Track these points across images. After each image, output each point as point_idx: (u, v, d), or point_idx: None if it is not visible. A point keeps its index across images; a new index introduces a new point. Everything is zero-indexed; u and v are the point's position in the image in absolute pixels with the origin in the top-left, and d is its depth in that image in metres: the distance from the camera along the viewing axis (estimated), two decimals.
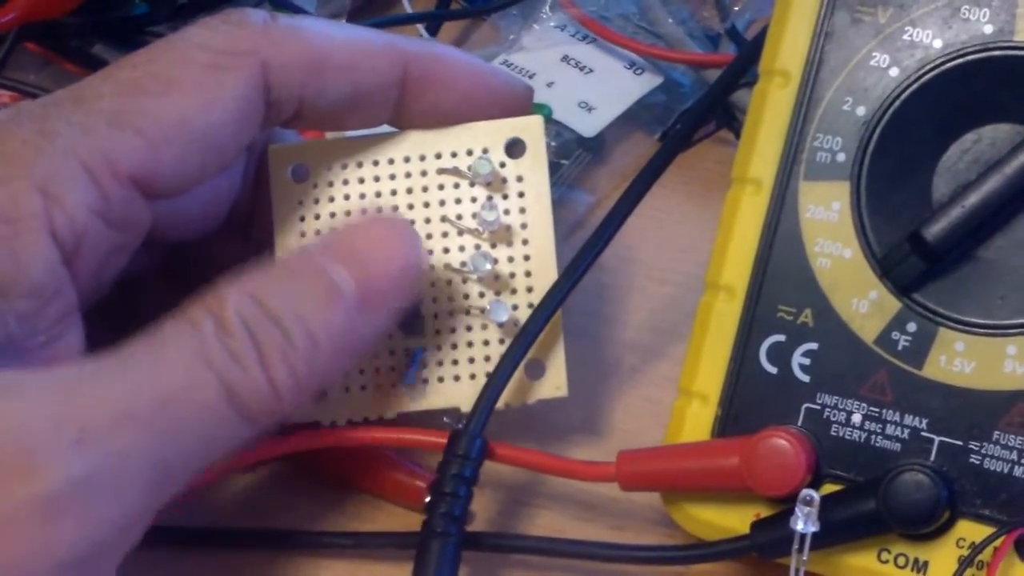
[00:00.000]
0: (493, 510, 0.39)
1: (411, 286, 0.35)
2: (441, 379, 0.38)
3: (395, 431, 0.37)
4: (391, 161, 0.38)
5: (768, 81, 0.37)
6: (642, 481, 0.36)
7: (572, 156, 0.48)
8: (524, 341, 0.37)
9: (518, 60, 0.50)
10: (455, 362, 0.38)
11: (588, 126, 0.48)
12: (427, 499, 0.36)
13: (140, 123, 0.33)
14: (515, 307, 0.37)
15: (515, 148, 0.38)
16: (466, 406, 0.37)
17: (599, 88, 0.49)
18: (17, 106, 0.34)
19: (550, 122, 0.47)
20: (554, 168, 0.43)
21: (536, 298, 0.38)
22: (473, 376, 0.38)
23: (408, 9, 0.53)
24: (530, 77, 0.49)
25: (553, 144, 0.47)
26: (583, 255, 0.38)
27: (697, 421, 0.37)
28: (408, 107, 0.37)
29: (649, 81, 0.50)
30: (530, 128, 0.38)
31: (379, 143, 0.38)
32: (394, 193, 0.38)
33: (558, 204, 0.45)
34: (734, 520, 0.36)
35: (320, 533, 0.38)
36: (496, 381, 0.37)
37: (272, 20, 0.35)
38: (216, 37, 0.34)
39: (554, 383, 0.38)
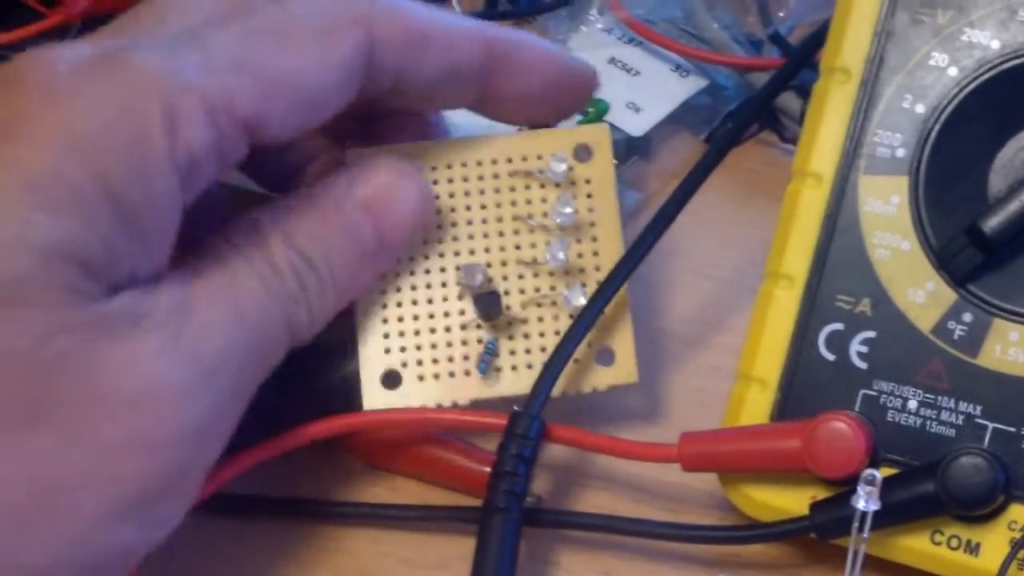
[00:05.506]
0: (547, 491, 0.40)
1: (418, 235, 0.38)
2: (514, 367, 0.39)
3: (456, 413, 0.38)
4: (464, 164, 0.39)
5: (829, 78, 0.38)
6: (703, 462, 0.37)
7: (624, 158, 0.49)
8: (582, 326, 0.38)
9: None
10: (527, 351, 0.39)
11: (636, 126, 0.49)
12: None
13: (260, 71, 0.33)
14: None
15: (583, 153, 0.40)
16: None
17: (646, 90, 0.50)
18: (122, 24, 0.34)
19: None
20: None
21: None
22: None
23: (456, 9, 0.54)
24: None
25: None
26: (638, 246, 0.40)
27: (756, 405, 0.38)
28: (492, 88, 0.38)
29: (694, 83, 0.50)
30: (597, 134, 0.40)
31: (453, 148, 0.39)
32: (467, 194, 0.39)
33: None
34: (791, 502, 0.37)
35: (387, 505, 0.39)
36: (554, 363, 0.38)
37: None
38: (325, 5, 0.35)
39: (624, 370, 0.39)
